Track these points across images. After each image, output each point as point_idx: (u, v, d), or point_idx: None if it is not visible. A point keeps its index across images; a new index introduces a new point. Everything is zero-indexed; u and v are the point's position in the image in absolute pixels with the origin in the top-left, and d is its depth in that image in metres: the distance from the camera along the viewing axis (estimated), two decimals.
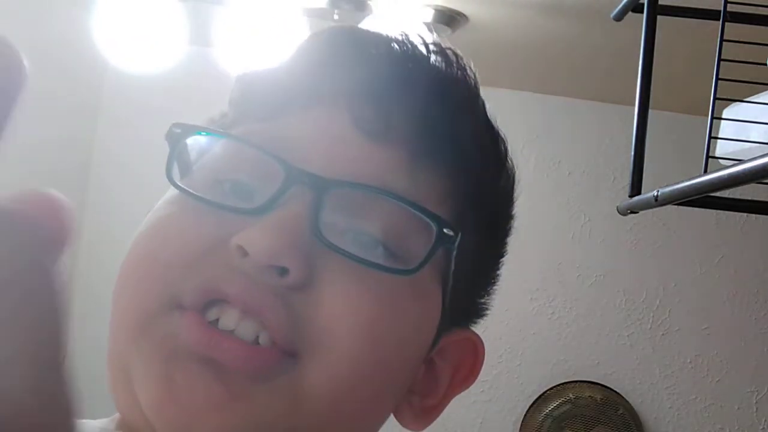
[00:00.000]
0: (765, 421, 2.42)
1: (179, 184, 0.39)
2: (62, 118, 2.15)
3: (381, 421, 0.42)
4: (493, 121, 0.46)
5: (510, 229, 0.49)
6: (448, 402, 0.45)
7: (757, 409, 2.42)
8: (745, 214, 2.41)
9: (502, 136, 0.47)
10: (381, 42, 0.43)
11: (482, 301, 0.47)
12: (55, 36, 2.01)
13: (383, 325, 0.38)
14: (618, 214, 1.08)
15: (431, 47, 0.44)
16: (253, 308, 0.36)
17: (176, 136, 0.40)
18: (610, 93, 2.31)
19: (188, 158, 0.42)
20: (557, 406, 2.37)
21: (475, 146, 0.43)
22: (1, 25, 1.85)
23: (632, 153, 1.02)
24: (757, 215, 2.38)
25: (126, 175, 2.23)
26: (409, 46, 0.43)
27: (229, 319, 0.36)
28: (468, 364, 0.46)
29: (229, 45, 1.66)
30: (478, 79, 0.45)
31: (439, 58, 0.44)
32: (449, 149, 0.42)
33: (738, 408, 2.42)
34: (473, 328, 0.47)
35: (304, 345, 0.36)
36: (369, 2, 1.69)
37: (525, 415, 2.41)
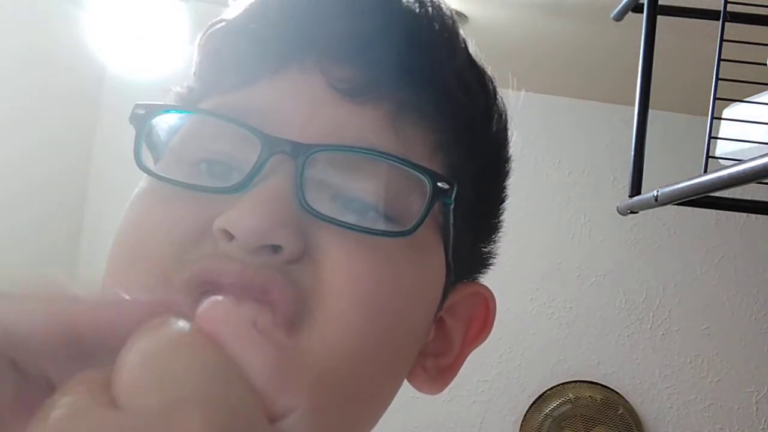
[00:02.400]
0: (765, 421, 2.42)
1: (152, 169, 0.37)
2: (62, 118, 2.15)
3: (395, 389, 0.40)
4: (476, 59, 0.43)
5: (508, 171, 0.46)
6: (464, 360, 0.43)
7: (757, 409, 2.42)
8: (745, 214, 2.41)
9: (489, 73, 0.44)
10: None
11: (486, 250, 0.45)
12: (56, 36, 2.01)
13: (385, 292, 0.35)
14: (618, 214, 1.08)
15: None
16: (255, 290, 0.33)
17: (141, 118, 0.38)
18: (611, 93, 2.31)
19: (158, 140, 0.39)
20: (557, 406, 2.37)
21: (460, 91, 0.40)
22: (2, 26, 1.85)
23: (632, 153, 1.02)
24: (757, 215, 2.38)
25: (126, 175, 2.23)
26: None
27: None
28: (480, 317, 0.43)
29: None
30: (455, 16, 0.42)
31: (411, 1, 0.40)
32: (433, 98, 0.39)
33: (738, 408, 2.42)
34: (480, 280, 0.45)
35: (303, 319, 0.34)
36: None
37: (525, 415, 2.41)
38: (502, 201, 0.46)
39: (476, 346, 0.43)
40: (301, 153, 0.35)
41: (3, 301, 0.21)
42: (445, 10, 0.41)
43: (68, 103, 2.18)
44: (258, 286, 0.33)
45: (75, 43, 1.92)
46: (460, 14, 1.76)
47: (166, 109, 0.39)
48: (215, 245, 0.34)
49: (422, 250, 0.38)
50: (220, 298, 0.21)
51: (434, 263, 0.39)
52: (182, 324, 0.20)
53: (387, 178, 0.36)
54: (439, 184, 0.36)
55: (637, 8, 1.12)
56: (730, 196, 0.95)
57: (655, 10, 1.05)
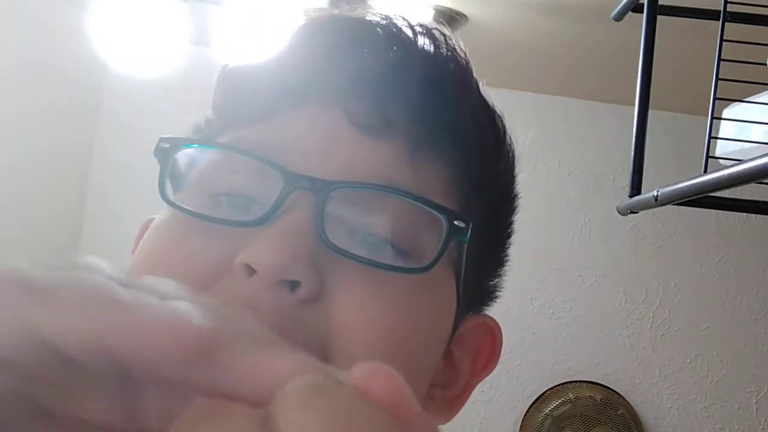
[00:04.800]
0: (765, 421, 2.42)
1: (176, 202, 0.37)
2: (62, 121, 2.15)
3: None
4: (488, 99, 0.44)
5: (516, 208, 0.48)
6: (471, 390, 0.44)
7: (757, 409, 2.42)
8: (745, 214, 2.41)
9: (499, 113, 0.45)
10: (366, 30, 0.41)
11: (493, 283, 0.46)
12: (55, 37, 2.01)
13: (402, 331, 0.36)
14: (618, 214, 1.08)
15: (417, 29, 0.42)
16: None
17: (166, 152, 0.38)
18: (611, 93, 2.31)
19: (179, 172, 0.39)
20: (557, 406, 2.37)
21: (473, 128, 0.42)
22: (1, 27, 1.85)
23: (632, 153, 1.02)
24: (757, 215, 2.38)
25: (126, 177, 2.23)
26: (395, 30, 0.41)
27: None
28: (487, 349, 0.44)
29: (229, 45, 1.66)
30: (468, 56, 0.43)
31: (426, 40, 0.42)
32: (449, 136, 0.40)
33: (738, 408, 2.42)
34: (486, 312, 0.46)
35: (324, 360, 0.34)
36: (369, 2, 1.69)
37: (525, 415, 2.41)
38: (510, 236, 0.47)
39: (484, 377, 0.44)
40: (322, 189, 0.35)
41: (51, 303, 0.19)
42: (459, 51, 0.43)
43: (68, 106, 2.18)
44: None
45: (75, 44, 1.92)
46: (460, 14, 1.76)
47: (190, 144, 0.39)
48: (234, 282, 0.34)
49: (436, 285, 0.38)
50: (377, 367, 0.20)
51: (447, 298, 0.40)
52: (349, 390, 0.19)
53: (404, 214, 0.37)
54: (456, 222, 0.37)
55: (637, 8, 1.12)
56: (730, 196, 0.95)
57: (655, 10, 1.05)
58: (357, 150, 0.38)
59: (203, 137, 0.42)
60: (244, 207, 0.37)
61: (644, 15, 1.05)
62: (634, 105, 1.03)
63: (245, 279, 0.33)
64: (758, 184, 0.78)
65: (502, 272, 0.46)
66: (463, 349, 0.43)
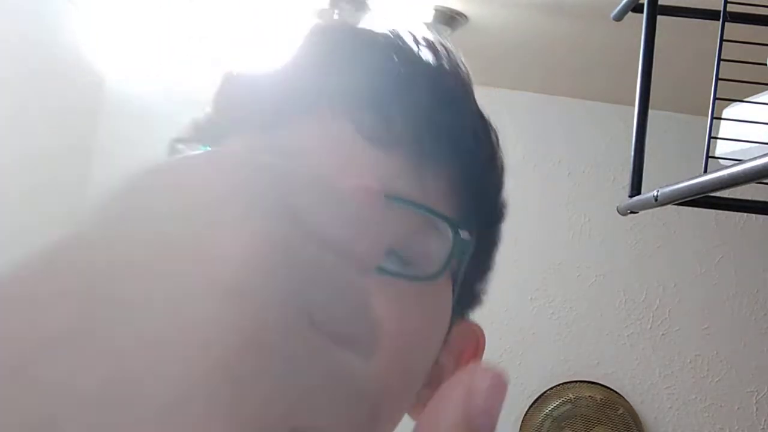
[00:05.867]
0: (765, 421, 2.42)
1: None
2: (62, 122, 2.15)
3: (399, 421, 0.42)
4: (483, 111, 0.46)
5: (504, 216, 0.49)
6: None
7: (757, 409, 2.42)
8: (745, 214, 2.41)
9: (493, 125, 0.47)
10: (372, 42, 0.42)
11: (481, 288, 0.47)
12: (55, 38, 2.01)
13: (409, 336, 0.37)
14: (618, 214, 1.08)
15: (421, 42, 0.43)
16: None
17: (179, 152, 0.39)
18: (611, 93, 2.31)
19: None
20: (557, 406, 2.37)
21: (473, 142, 0.43)
22: (2, 24, 1.85)
23: (632, 153, 1.01)
24: (757, 215, 2.38)
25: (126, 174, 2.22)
26: (400, 43, 0.43)
27: None
28: (470, 351, 0.46)
29: (229, 45, 1.66)
30: (469, 70, 0.45)
31: (430, 54, 0.43)
32: (450, 147, 0.41)
33: (738, 408, 2.42)
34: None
35: None
36: (369, 2, 1.69)
37: (525, 415, 2.41)
38: (498, 243, 0.48)
39: None
40: None
41: None
42: (461, 65, 0.44)
43: (67, 107, 2.18)
44: None
45: (74, 44, 1.92)
46: (460, 14, 1.76)
47: (205, 145, 0.40)
48: None
49: (438, 292, 0.40)
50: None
51: (446, 303, 0.42)
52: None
53: (409, 223, 0.38)
54: (461, 232, 0.38)
55: (637, 8, 1.12)
56: (730, 196, 0.95)
57: (655, 10, 1.05)
58: (366, 160, 0.39)
59: (206, 136, 0.43)
60: None
61: (644, 15, 1.05)
62: (634, 105, 1.03)
63: None
64: (758, 184, 0.78)
65: (489, 278, 0.48)
66: (449, 351, 0.44)
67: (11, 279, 0.18)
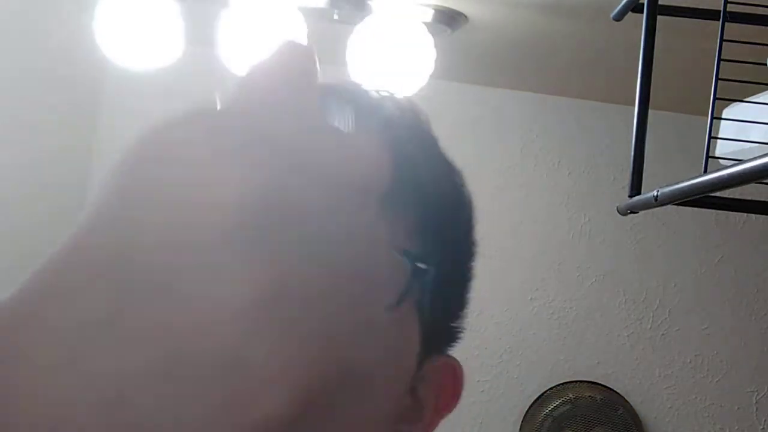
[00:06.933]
0: (765, 421, 2.43)
1: None
2: (61, 120, 2.15)
3: None
4: (446, 155, 0.49)
5: (474, 254, 0.52)
6: (435, 427, 0.47)
7: (757, 409, 2.42)
8: (745, 214, 2.41)
9: (456, 168, 0.50)
10: (335, 96, 0.46)
11: (455, 325, 0.49)
12: (55, 36, 2.01)
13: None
14: (618, 214, 1.08)
15: (384, 95, 0.48)
16: None
17: None
18: (611, 93, 2.31)
19: None
20: (557, 406, 2.37)
21: (432, 184, 0.47)
22: (2, 24, 1.85)
23: (632, 153, 1.02)
24: (757, 215, 2.38)
25: None
26: (360, 96, 0.47)
27: None
28: (449, 386, 0.48)
29: (229, 45, 1.66)
30: (428, 118, 0.49)
31: (392, 106, 0.47)
32: (412, 189, 0.45)
33: (738, 408, 2.42)
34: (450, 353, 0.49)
35: None
36: (369, 2, 1.69)
37: (525, 415, 2.41)
38: (470, 280, 0.51)
39: (446, 414, 0.48)
40: None
41: None
42: (422, 116, 0.49)
43: (67, 108, 2.18)
44: None
45: (74, 45, 1.92)
46: (460, 14, 1.76)
47: None
48: None
49: (400, 322, 0.42)
50: None
51: (410, 334, 0.43)
52: None
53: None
54: (418, 264, 0.41)
55: (637, 8, 1.12)
56: (730, 196, 0.95)
57: (655, 10, 1.05)
58: None
59: None
60: None
61: (644, 15, 1.05)
62: (634, 105, 1.03)
63: None
64: (758, 184, 0.78)
65: (463, 314, 0.50)
66: (428, 386, 0.46)
67: (47, 271, 0.20)
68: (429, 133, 0.49)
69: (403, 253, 0.40)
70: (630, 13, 1.16)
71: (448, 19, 1.76)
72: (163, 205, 0.20)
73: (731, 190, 0.78)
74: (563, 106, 2.45)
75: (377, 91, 0.48)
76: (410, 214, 0.45)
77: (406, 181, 0.44)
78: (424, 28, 1.69)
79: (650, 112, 1.02)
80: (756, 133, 0.97)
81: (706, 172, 0.81)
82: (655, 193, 0.91)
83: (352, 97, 0.46)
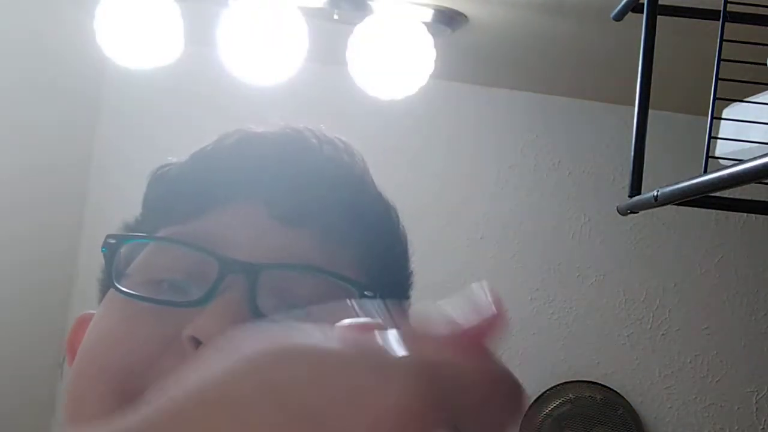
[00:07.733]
0: (765, 421, 2.42)
1: (124, 289, 0.45)
2: (63, 116, 2.15)
3: None
4: (382, 193, 0.53)
5: (411, 282, 0.56)
6: None
7: (757, 409, 2.42)
8: (745, 214, 2.41)
9: (392, 204, 0.54)
10: (279, 142, 0.51)
11: None
12: (56, 34, 2.01)
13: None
14: (618, 214, 1.08)
15: (322, 138, 0.51)
16: None
17: (113, 246, 0.47)
18: (611, 93, 2.31)
19: (121, 264, 0.48)
20: (557, 406, 2.37)
21: (371, 219, 0.51)
22: (1, 23, 1.85)
23: (632, 153, 1.02)
24: (757, 215, 2.38)
25: (127, 172, 2.22)
26: (303, 142, 0.51)
27: None
28: None
29: (229, 45, 1.66)
30: (363, 158, 0.54)
31: (329, 148, 0.51)
32: (352, 225, 0.49)
33: (738, 408, 2.42)
34: None
35: None
36: (369, 2, 1.69)
37: (525, 415, 2.40)
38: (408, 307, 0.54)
39: None
40: (251, 271, 0.43)
41: None
42: (357, 157, 0.53)
43: (68, 108, 2.18)
44: None
45: (75, 41, 1.92)
46: (460, 14, 1.76)
47: (135, 239, 0.49)
48: (182, 352, 0.40)
49: None
50: None
51: None
52: None
53: (322, 288, 0.45)
54: (366, 292, 0.45)
55: (637, 8, 1.12)
56: (730, 196, 0.95)
57: (655, 10, 1.05)
58: (279, 238, 0.47)
59: (150, 234, 0.50)
60: (183, 290, 0.45)
61: (644, 15, 1.05)
62: (634, 105, 1.03)
63: (192, 349, 0.40)
64: (758, 184, 0.78)
65: None
66: None
67: None
68: (367, 174, 0.53)
69: (352, 283, 0.46)
70: (630, 13, 1.16)
71: (448, 19, 1.76)
72: None
73: (731, 190, 0.78)
74: (563, 106, 2.45)
75: (317, 138, 0.51)
76: (352, 245, 0.49)
77: (347, 218, 0.49)
78: (424, 28, 1.69)
79: (650, 112, 1.02)
80: (756, 133, 0.97)
81: (706, 172, 0.81)
82: (655, 193, 0.91)
83: (295, 147, 0.50)
